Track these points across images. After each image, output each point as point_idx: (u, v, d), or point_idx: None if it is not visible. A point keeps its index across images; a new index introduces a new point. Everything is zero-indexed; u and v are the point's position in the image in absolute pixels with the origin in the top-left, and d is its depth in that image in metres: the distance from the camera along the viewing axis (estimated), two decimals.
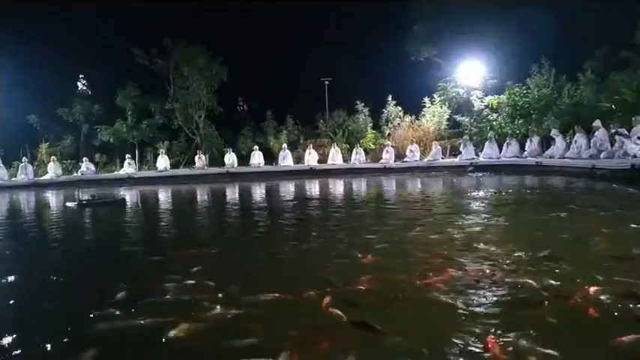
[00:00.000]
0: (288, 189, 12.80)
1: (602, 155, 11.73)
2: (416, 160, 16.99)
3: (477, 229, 5.41)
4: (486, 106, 18.50)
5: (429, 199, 9.20)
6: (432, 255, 4.18)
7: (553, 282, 3.20)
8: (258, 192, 12.77)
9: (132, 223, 8.04)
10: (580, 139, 13.02)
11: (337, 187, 13.14)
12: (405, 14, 20.52)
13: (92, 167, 19.03)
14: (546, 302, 2.87)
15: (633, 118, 11.52)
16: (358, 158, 18.05)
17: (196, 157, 19.30)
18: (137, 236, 6.59)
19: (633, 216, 5.71)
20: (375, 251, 4.40)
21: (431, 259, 4.02)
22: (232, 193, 12.86)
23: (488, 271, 3.58)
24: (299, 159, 19.03)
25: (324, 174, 16.38)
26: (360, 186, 13.03)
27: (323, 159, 18.48)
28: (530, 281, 3.24)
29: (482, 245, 4.44)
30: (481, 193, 9.33)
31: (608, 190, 8.84)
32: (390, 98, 20.02)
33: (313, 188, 13.08)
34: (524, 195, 9.15)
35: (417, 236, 5.12)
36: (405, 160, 17.20)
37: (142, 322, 2.86)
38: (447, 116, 19.36)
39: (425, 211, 7.20)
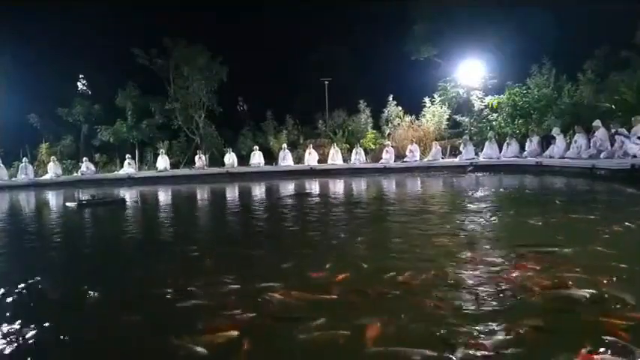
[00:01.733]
0: (288, 189, 12.79)
1: (602, 155, 11.73)
2: (416, 160, 16.99)
3: (478, 228, 5.42)
4: (486, 106, 18.50)
5: (429, 199, 9.20)
6: (436, 252, 4.19)
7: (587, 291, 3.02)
8: (258, 192, 12.77)
9: (132, 223, 8.04)
10: (580, 139, 13.02)
11: (338, 187, 13.14)
12: (405, 14, 20.51)
13: (92, 167, 19.02)
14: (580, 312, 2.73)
15: (633, 118, 11.51)
16: (358, 158, 18.04)
17: (196, 157, 19.30)
18: (139, 235, 6.59)
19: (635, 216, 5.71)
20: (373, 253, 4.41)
21: (434, 258, 4.02)
22: (233, 193, 12.86)
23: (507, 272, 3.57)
24: (299, 159, 19.03)
25: (324, 174, 16.38)
26: (360, 186, 13.03)
27: (323, 159, 18.47)
28: (561, 290, 3.09)
29: (488, 246, 4.44)
30: (481, 193, 9.32)
31: (608, 190, 8.84)
32: (391, 98, 20.04)
33: (314, 188, 13.06)
34: (523, 195, 9.16)
35: (419, 235, 5.12)
36: (405, 160, 17.20)
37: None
38: (447, 116, 19.37)
39: (425, 211, 7.20)
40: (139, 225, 7.82)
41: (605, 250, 4.05)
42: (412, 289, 3.23)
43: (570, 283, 3.14)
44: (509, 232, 5.29)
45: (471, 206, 7.39)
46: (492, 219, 6.15)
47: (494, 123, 17.74)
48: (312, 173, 16.67)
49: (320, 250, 4.73)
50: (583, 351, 2.15)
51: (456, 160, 16.56)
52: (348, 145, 19.38)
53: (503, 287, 3.18)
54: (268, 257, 4.57)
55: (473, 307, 2.83)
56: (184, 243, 5.59)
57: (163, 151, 19.64)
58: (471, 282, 3.32)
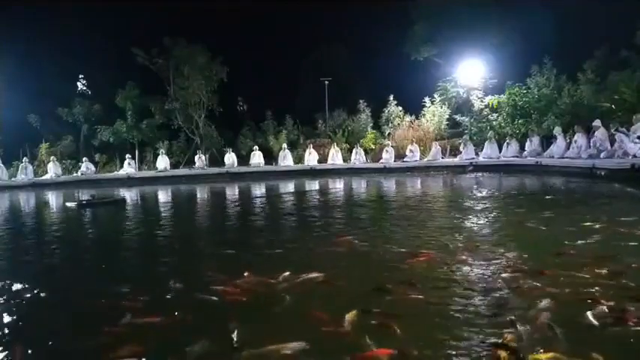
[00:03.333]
0: (288, 189, 12.79)
1: (602, 155, 11.72)
2: (416, 160, 16.98)
3: (478, 229, 5.42)
4: (486, 106, 18.50)
5: (429, 199, 9.20)
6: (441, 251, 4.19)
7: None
8: (259, 192, 12.77)
9: (133, 223, 8.04)
10: (580, 139, 13.01)
11: (339, 187, 13.13)
12: (405, 14, 20.55)
13: (92, 167, 19.01)
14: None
15: (634, 117, 11.52)
16: (358, 158, 18.03)
17: (196, 157, 19.29)
18: (144, 235, 6.60)
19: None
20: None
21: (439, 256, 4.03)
22: (233, 193, 12.85)
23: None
24: (299, 159, 19.02)
25: (324, 174, 16.37)
26: (361, 186, 13.02)
27: (323, 159, 18.47)
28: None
29: (507, 250, 4.43)
30: (480, 193, 9.32)
31: (608, 190, 8.83)
32: (391, 98, 20.04)
33: (314, 188, 13.06)
34: (523, 196, 9.16)
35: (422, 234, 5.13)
36: (404, 160, 17.19)
37: None
38: (447, 116, 19.36)
39: (425, 210, 7.21)
40: (140, 224, 7.82)
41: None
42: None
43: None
44: (517, 235, 5.21)
45: (471, 206, 7.39)
46: (495, 220, 6.14)
47: (494, 123, 17.74)
48: (312, 173, 16.66)
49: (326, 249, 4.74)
50: None
51: (456, 160, 16.56)
52: (348, 145, 19.37)
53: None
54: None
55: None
56: (201, 242, 5.59)
57: (163, 151, 19.64)
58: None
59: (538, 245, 4.37)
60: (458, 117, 19.48)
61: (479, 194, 9.08)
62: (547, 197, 8.40)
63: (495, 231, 5.34)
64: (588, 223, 5.23)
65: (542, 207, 6.79)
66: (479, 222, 5.87)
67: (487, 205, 7.40)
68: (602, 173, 10.36)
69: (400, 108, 19.94)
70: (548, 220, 5.62)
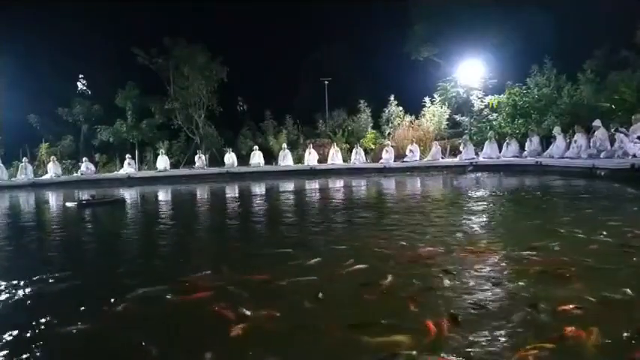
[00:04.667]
0: (288, 188, 12.80)
1: (602, 155, 11.73)
2: (416, 160, 16.99)
3: (486, 229, 5.41)
4: (486, 106, 18.51)
5: (429, 199, 9.20)
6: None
7: None
8: (258, 191, 12.78)
9: (133, 222, 8.04)
10: (580, 139, 13.02)
11: (340, 186, 13.13)
12: (405, 14, 20.56)
13: (92, 167, 19.00)
14: None
15: (633, 117, 11.53)
16: (358, 158, 18.04)
17: (196, 157, 19.30)
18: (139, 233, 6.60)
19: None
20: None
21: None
22: (233, 193, 12.85)
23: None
24: (299, 159, 19.03)
25: (324, 174, 16.37)
26: (360, 185, 13.02)
27: (323, 159, 18.48)
28: None
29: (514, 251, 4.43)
30: (480, 193, 9.32)
31: (608, 190, 8.83)
32: (392, 98, 20.06)
33: (315, 187, 13.06)
34: (521, 195, 9.16)
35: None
36: (404, 160, 17.19)
37: None
38: (447, 116, 19.37)
39: (425, 210, 7.21)
40: (140, 223, 7.82)
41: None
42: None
43: None
44: (507, 234, 5.25)
45: (475, 207, 7.39)
46: (503, 221, 6.14)
47: (494, 123, 17.75)
48: (312, 173, 16.66)
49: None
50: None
51: (456, 160, 16.56)
52: (348, 145, 19.38)
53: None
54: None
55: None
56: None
57: (163, 151, 19.64)
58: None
59: (561, 246, 4.29)
60: (458, 117, 19.49)
61: (481, 194, 9.08)
62: (552, 198, 8.39)
63: (506, 231, 5.30)
64: (599, 224, 5.12)
65: (549, 207, 6.78)
66: (486, 223, 5.86)
67: (490, 206, 7.40)
68: (602, 173, 10.36)
69: (400, 108, 19.95)
70: (558, 221, 5.55)
